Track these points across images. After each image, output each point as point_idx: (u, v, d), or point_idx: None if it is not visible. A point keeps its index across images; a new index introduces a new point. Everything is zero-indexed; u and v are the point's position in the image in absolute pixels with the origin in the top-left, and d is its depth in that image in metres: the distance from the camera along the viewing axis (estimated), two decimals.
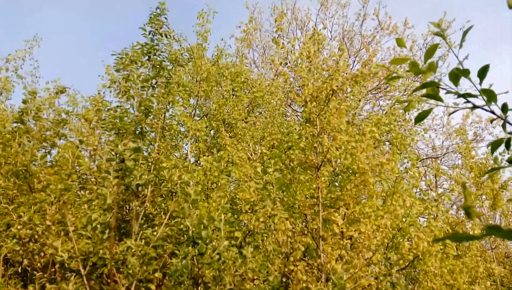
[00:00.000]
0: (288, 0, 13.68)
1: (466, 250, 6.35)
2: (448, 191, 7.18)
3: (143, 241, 3.76)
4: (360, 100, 9.37)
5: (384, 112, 8.66)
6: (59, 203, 4.22)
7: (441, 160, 11.81)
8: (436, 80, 1.69)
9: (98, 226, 3.62)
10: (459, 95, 1.64)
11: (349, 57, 13.16)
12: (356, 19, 13.56)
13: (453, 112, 1.86)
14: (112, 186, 3.78)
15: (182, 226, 3.71)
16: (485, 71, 1.56)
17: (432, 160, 11.73)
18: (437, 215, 5.89)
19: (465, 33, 1.66)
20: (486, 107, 1.58)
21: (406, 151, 7.27)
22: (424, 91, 1.72)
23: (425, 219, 6.13)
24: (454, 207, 9.79)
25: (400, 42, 1.92)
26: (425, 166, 11.32)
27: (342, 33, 13.71)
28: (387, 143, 7.68)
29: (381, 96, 12.73)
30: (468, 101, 1.63)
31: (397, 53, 10.97)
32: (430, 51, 1.72)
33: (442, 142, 11.96)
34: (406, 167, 6.96)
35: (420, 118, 1.84)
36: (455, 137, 10.93)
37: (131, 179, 3.79)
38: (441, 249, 5.06)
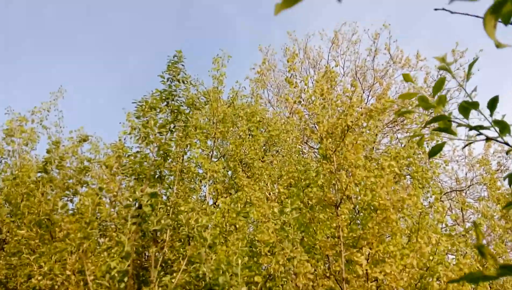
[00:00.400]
0: (299, 40, 14.11)
1: (500, 288, 5.93)
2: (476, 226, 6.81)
3: (161, 289, 3.69)
4: (376, 134, 9.31)
5: (402, 146, 8.54)
6: (79, 252, 4.24)
7: (466, 192, 11.38)
8: (448, 112, 1.68)
9: (116, 274, 3.60)
10: (471, 128, 1.62)
11: (363, 92, 13.25)
12: (367, 55, 13.80)
13: (467, 145, 1.84)
14: (130, 233, 3.79)
15: (199, 272, 3.64)
16: (494, 102, 1.54)
17: (456, 193, 11.32)
18: (466, 252, 5.60)
19: (470, 66, 1.67)
20: (499, 139, 1.55)
21: (428, 185, 7.07)
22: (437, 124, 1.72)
23: (454, 257, 5.82)
24: (484, 242, 9.28)
25: (407, 78, 1.94)
26: (450, 199, 10.90)
27: (355, 68, 13.92)
28: (408, 177, 7.50)
29: (398, 129, 12.62)
30: (480, 133, 1.61)
31: (411, 85, 11.00)
32: (438, 85, 1.73)
33: (466, 174, 11.59)
34: (429, 202, 6.73)
35: (433, 152, 1.82)
36: (478, 168, 10.58)
37: (148, 224, 3.80)
38: (472, 288, 4.76)
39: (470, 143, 1.76)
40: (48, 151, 6.24)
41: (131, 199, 3.88)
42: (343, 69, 14.03)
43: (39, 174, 6.01)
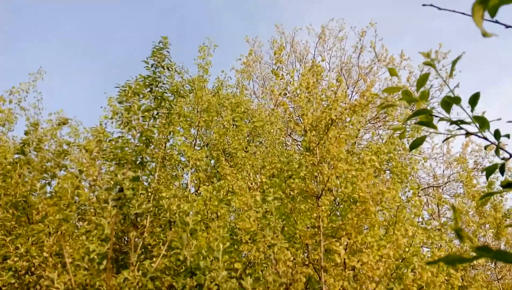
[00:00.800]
0: (287, 33, 14.12)
1: (472, 281, 6.18)
2: (451, 220, 7.08)
3: (140, 272, 3.68)
4: (359, 130, 9.45)
5: (383, 141, 8.71)
6: (57, 234, 4.18)
7: (442, 189, 11.74)
8: (429, 108, 1.73)
9: (96, 257, 3.57)
10: (452, 122, 1.67)
11: (347, 88, 13.41)
12: (353, 52, 13.94)
13: (447, 138, 1.89)
14: (110, 216, 3.75)
15: (180, 256, 3.65)
16: (475, 98, 1.59)
17: (433, 189, 11.66)
18: (440, 245, 5.79)
19: (454, 62, 1.70)
20: (479, 134, 1.60)
21: (407, 180, 7.25)
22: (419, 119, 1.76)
23: (429, 249, 6.02)
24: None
25: (392, 72, 1.98)
26: (427, 195, 11.23)
27: (340, 65, 14.05)
28: (387, 172, 7.66)
29: (380, 126, 12.85)
30: (461, 128, 1.66)
31: (394, 83, 11.19)
32: (422, 80, 1.77)
33: (443, 171, 11.94)
34: (407, 196, 6.92)
35: (414, 145, 1.86)
36: (455, 166, 10.90)
37: (130, 208, 3.77)
38: (446, 280, 4.94)
39: (450, 137, 1.82)
40: (26, 133, 6.07)
41: (112, 183, 3.83)
42: (329, 64, 14.15)
43: (16, 156, 5.85)
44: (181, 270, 3.73)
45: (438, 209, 9.89)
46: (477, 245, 0.86)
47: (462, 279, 5.77)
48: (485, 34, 1.01)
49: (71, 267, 3.80)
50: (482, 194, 7.92)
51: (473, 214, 7.78)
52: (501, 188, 1.65)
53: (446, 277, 4.90)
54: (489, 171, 1.70)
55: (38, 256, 4.21)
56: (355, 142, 9.35)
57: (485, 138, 1.62)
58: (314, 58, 13.72)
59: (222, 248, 3.56)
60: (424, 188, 11.38)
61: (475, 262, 6.53)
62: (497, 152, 1.69)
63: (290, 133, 12.00)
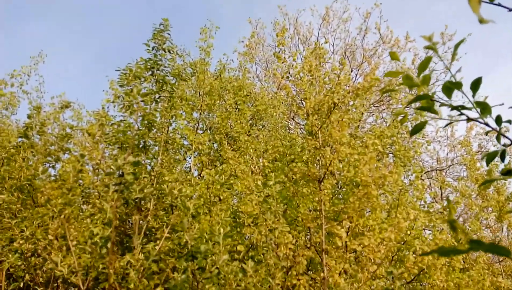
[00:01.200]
0: (290, 15, 13.88)
1: (473, 263, 6.24)
2: (453, 203, 7.08)
3: (143, 255, 3.75)
4: (362, 113, 9.39)
5: (387, 125, 8.66)
6: (61, 218, 4.24)
7: (446, 172, 11.74)
8: (432, 93, 1.70)
9: (98, 240, 3.63)
10: (453, 108, 1.64)
11: (351, 70, 13.24)
12: (357, 33, 13.72)
13: (448, 124, 1.86)
14: (112, 201, 3.79)
15: (182, 240, 3.71)
16: (477, 84, 1.56)
17: (437, 172, 11.66)
18: (442, 228, 5.82)
19: (456, 46, 1.66)
20: (480, 120, 1.58)
21: (410, 163, 7.23)
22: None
23: (430, 232, 6.05)
24: (460, 219, 9.68)
25: (393, 56, 1.93)
26: (430, 178, 11.24)
27: (344, 47, 13.84)
28: (390, 155, 7.65)
29: (384, 109, 12.74)
30: (462, 114, 1.64)
31: (399, 66, 11.03)
32: (424, 64, 1.73)
33: (447, 154, 11.92)
34: (410, 180, 6.92)
35: (415, 130, 1.84)
36: (459, 149, 10.87)
37: (131, 193, 3.81)
38: (447, 262, 4.99)
39: (451, 123, 1.80)
40: (29, 116, 6.09)
41: (113, 167, 3.86)
42: (333, 46, 13.95)
43: (19, 139, 5.89)
44: (183, 253, 3.80)
45: (441, 192, 9.90)
46: (470, 238, 0.86)
47: (464, 261, 5.82)
48: (482, 21, 0.97)
49: (76, 250, 3.87)
50: (486, 177, 7.90)
51: (476, 197, 7.80)
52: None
53: (447, 260, 4.94)
54: (490, 157, 1.68)
55: (44, 239, 4.29)
56: (359, 125, 9.31)
57: (487, 124, 1.59)
58: (317, 40, 13.52)
59: (223, 232, 3.61)
60: (428, 171, 11.38)
61: None
62: (498, 139, 1.67)
63: (293, 117, 11.95)
